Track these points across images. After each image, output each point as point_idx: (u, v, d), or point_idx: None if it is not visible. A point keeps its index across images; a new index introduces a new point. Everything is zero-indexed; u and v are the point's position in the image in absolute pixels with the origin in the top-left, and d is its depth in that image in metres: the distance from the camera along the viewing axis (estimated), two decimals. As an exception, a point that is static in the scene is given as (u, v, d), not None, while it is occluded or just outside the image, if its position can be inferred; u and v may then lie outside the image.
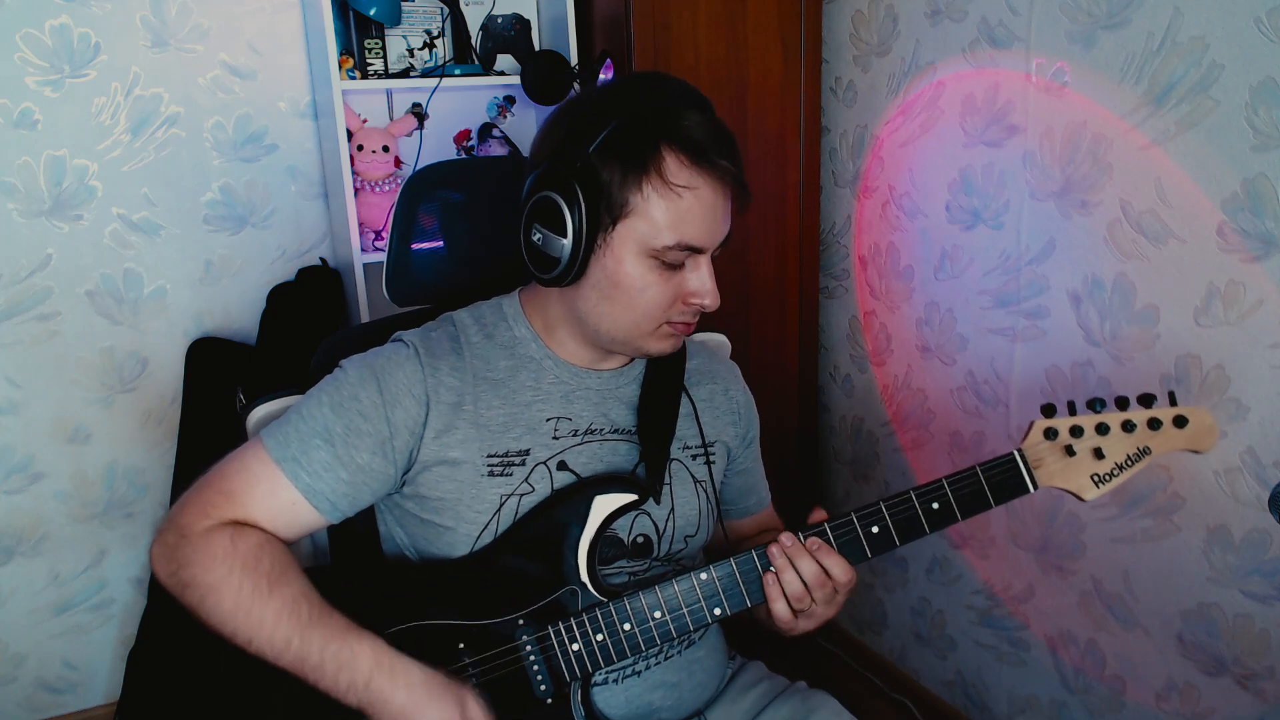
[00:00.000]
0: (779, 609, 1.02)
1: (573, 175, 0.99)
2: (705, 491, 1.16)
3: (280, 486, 1.01)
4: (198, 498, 1.01)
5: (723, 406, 1.22)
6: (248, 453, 1.03)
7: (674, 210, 0.99)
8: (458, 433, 1.05)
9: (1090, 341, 1.60)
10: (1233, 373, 1.39)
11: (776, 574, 1.02)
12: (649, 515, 1.11)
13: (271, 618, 0.95)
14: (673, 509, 1.12)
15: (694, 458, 1.16)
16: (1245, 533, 1.41)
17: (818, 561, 1.01)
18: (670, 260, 1.01)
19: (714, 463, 1.18)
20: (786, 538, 1.02)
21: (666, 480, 1.12)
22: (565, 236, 1.00)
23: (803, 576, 1.01)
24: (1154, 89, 1.43)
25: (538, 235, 1.02)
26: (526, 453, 1.07)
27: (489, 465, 1.05)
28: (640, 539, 1.10)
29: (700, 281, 1.03)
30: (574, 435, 1.10)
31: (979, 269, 1.81)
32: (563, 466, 1.08)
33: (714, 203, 1.01)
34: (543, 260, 1.03)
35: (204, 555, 0.97)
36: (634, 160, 0.98)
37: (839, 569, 1.01)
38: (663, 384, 1.16)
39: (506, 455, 1.06)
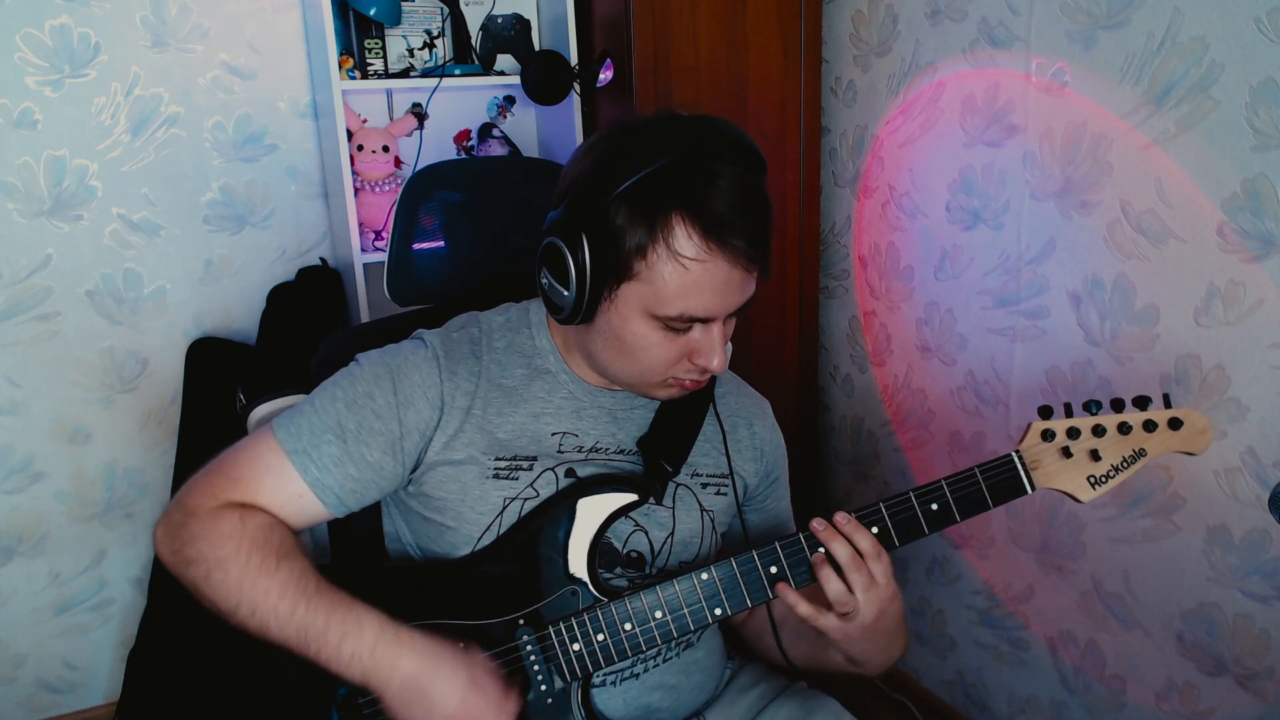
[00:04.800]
0: (804, 610, 0.98)
1: (582, 227, 0.95)
2: (711, 520, 1.14)
3: (288, 478, 1.01)
4: (206, 481, 1.02)
5: (745, 440, 1.20)
6: (259, 441, 1.03)
7: (680, 282, 0.94)
8: (464, 435, 1.05)
9: (1090, 341, 1.60)
10: (1233, 373, 1.39)
11: (815, 566, 0.99)
12: (646, 533, 1.10)
13: (278, 588, 0.95)
14: (672, 531, 1.11)
15: (704, 486, 1.14)
16: (1245, 533, 1.41)
17: (849, 540, 0.99)
18: (675, 327, 0.98)
19: (724, 494, 1.16)
20: (818, 523, 1.00)
21: (670, 503, 1.11)
22: (568, 289, 0.98)
23: (838, 560, 0.98)
24: (1154, 89, 1.43)
25: (545, 279, 1.01)
26: (533, 459, 1.07)
27: (494, 468, 1.05)
28: (634, 554, 1.09)
29: (707, 345, 1.00)
30: (579, 452, 1.09)
31: (979, 269, 1.81)
32: (570, 474, 1.07)
33: (727, 277, 0.95)
34: (552, 303, 1.02)
35: (212, 532, 0.97)
36: (644, 222, 0.93)
37: (866, 542, 0.99)
38: (679, 410, 1.14)
39: (514, 459, 1.06)
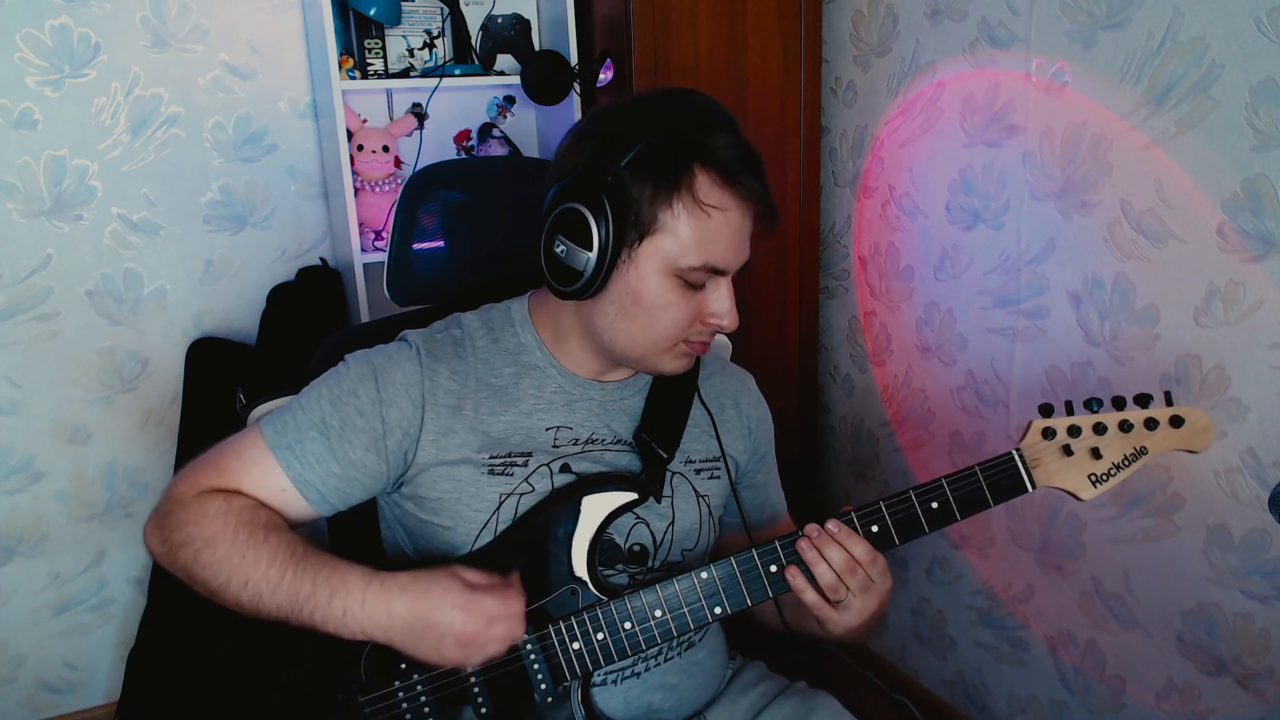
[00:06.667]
0: (810, 598, 1.01)
1: (602, 189, 0.98)
2: (707, 505, 1.15)
3: (272, 473, 1.02)
4: (191, 473, 1.03)
5: (732, 420, 1.21)
6: (245, 437, 1.05)
7: (702, 230, 0.99)
8: (456, 435, 1.05)
9: (1090, 341, 1.60)
10: (1233, 373, 1.39)
11: (809, 566, 1.01)
12: (647, 525, 1.10)
13: (267, 556, 0.96)
14: (673, 521, 1.12)
15: (698, 472, 1.15)
16: (1245, 533, 1.41)
17: (844, 547, 1.00)
18: (693, 280, 1.01)
19: (717, 478, 1.17)
20: (812, 529, 1.01)
21: (668, 493, 1.12)
22: (590, 249, 0.98)
23: (833, 565, 1.00)
24: (1154, 89, 1.43)
25: (561, 247, 1.01)
26: (528, 455, 1.07)
27: (489, 465, 1.05)
28: (636, 547, 1.10)
29: (720, 302, 1.03)
30: (574, 444, 1.09)
31: (979, 269, 1.81)
32: (565, 469, 1.08)
33: (741, 224, 1.01)
34: (564, 272, 1.02)
35: (198, 514, 0.98)
36: (667, 178, 0.97)
37: (860, 549, 1.01)
38: (669, 396, 1.15)
39: (509, 455, 1.06)
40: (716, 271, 1.01)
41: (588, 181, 0.99)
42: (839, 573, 1.00)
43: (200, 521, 0.98)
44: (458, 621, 0.94)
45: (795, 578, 1.01)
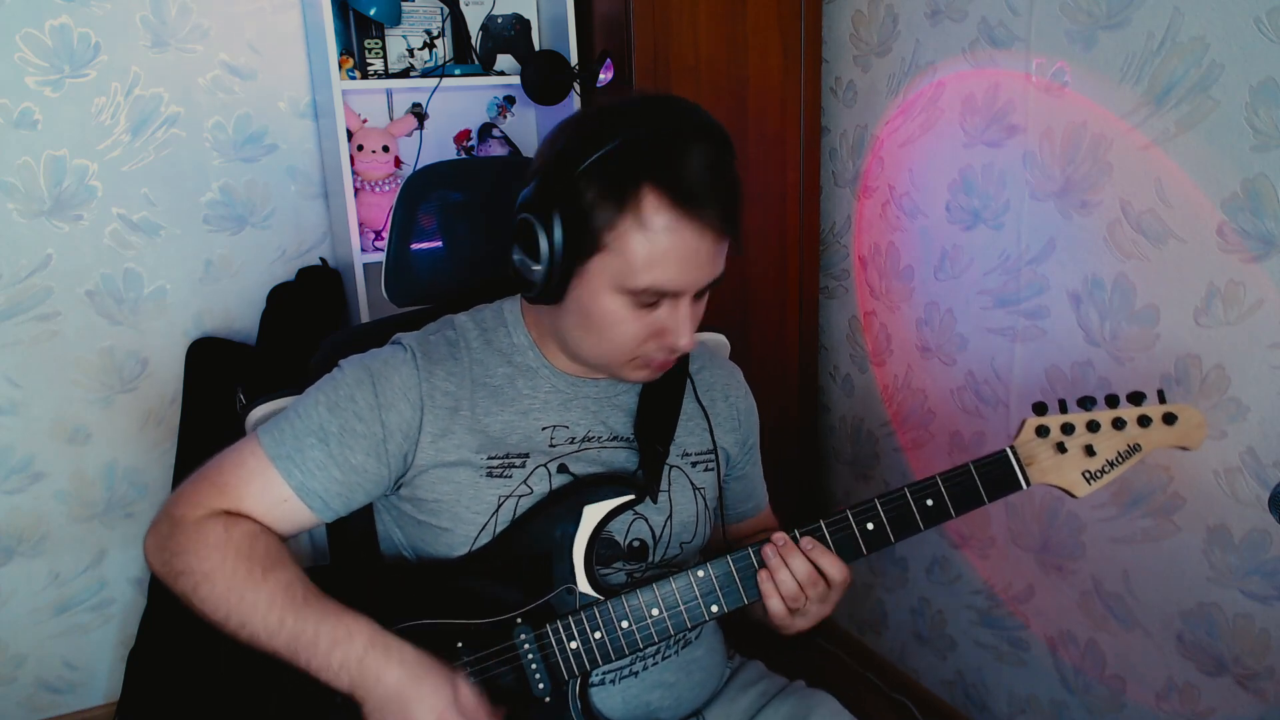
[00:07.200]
0: (774, 605, 1.02)
1: (553, 201, 0.96)
2: (704, 498, 1.16)
3: (273, 483, 1.01)
4: (192, 490, 1.02)
5: (724, 413, 1.21)
6: (244, 449, 1.04)
7: (649, 252, 0.94)
8: (454, 437, 1.05)
9: (1090, 341, 1.60)
10: (1233, 373, 1.39)
11: (771, 572, 1.01)
12: (645, 520, 1.10)
13: (265, 601, 0.95)
14: (670, 515, 1.12)
15: (694, 465, 1.16)
16: (1245, 533, 1.41)
17: (811, 561, 1.01)
18: (644, 300, 0.98)
19: (712, 470, 1.17)
20: (779, 537, 1.02)
21: (665, 487, 1.12)
22: (539, 263, 0.98)
23: (796, 576, 1.01)
24: (1154, 89, 1.43)
25: (518, 256, 1.01)
26: (526, 456, 1.07)
27: (488, 466, 1.05)
28: (636, 543, 1.10)
29: (675, 322, 1.00)
30: (571, 443, 1.10)
31: (979, 269, 1.81)
32: (563, 469, 1.08)
33: (696, 248, 0.95)
34: (523, 280, 1.02)
35: (197, 543, 0.97)
36: (614, 194, 0.93)
37: (834, 568, 1.02)
38: (662, 391, 1.15)
39: (506, 457, 1.06)
40: (667, 294, 0.98)
41: (543, 192, 0.97)
42: (800, 583, 1.01)
43: (199, 552, 0.97)
44: None
45: (765, 582, 1.02)
